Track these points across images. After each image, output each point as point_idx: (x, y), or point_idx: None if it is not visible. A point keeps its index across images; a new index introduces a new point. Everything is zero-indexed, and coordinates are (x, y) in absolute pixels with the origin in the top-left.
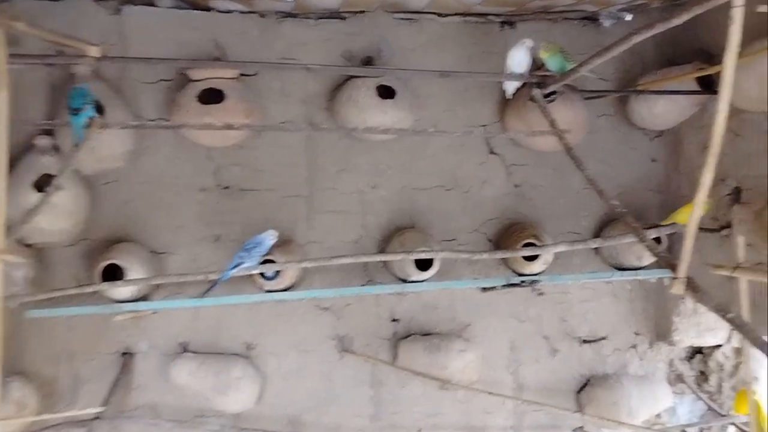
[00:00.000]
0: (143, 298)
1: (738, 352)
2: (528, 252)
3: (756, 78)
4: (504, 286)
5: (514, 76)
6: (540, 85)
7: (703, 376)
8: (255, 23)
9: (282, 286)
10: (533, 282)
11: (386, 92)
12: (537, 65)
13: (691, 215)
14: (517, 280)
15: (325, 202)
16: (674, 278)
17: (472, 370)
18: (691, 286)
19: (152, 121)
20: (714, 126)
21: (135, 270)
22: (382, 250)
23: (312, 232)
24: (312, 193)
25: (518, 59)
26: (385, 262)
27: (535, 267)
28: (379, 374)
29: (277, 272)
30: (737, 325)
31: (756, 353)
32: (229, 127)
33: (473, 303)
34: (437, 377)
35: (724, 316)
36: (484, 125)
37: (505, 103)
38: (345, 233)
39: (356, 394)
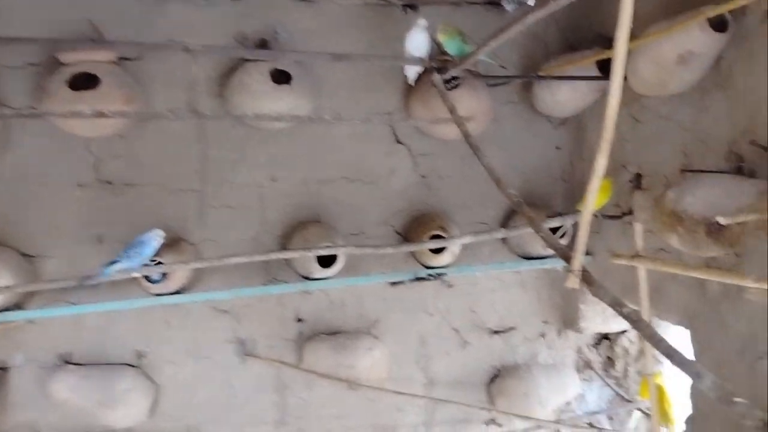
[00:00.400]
0: (16, 306)
1: (641, 337)
2: (434, 244)
3: (652, 62)
4: (412, 280)
5: (412, 60)
6: (440, 70)
7: (609, 362)
8: (135, 2)
9: (171, 289)
10: (440, 275)
11: (282, 77)
12: (441, 50)
13: (585, 206)
14: (424, 273)
15: (220, 196)
16: (569, 271)
17: (380, 368)
18: (586, 279)
19: (13, 109)
20: (607, 109)
21: (2, 276)
22: (284, 247)
23: (205, 230)
24: (205, 187)
25: (416, 43)
26: (287, 260)
27: (443, 259)
28: (283, 377)
29: (164, 274)
30: (632, 320)
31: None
32: (101, 114)
33: (381, 298)
34: (345, 377)
35: (619, 311)
36: (388, 113)
37: (409, 90)
38: (242, 230)
39: (260, 399)
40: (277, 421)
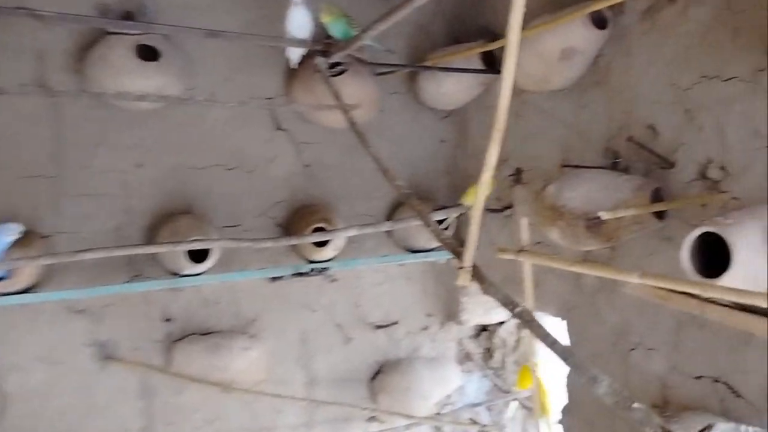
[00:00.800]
0: None
1: (520, 327)
2: (317, 238)
3: (536, 56)
4: (293, 274)
5: (294, 42)
6: (324, 53)
7: (488, 353)
8: None
9: (18, 287)
10: (323, 269)
11: (148, 54)
12: (325, 33)
13: (476, 200)
14: (306, 268)
15: (78, 183)
16: (459, 268)
17: (258, 369)
18: (477, 275)
19: None
20: (499, 99)
21: None
22: (150, 240)
23: (60, 220)
24: (60, 173)
25: (298, 22)
26: (154, 255)
27: (326, 253)
28: (150, 382)
29: (9, 270)
30: (525, 320)
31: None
32: None
33: (260, 295)
34: (218, 380)
35: (511, 311)
36: (269, 97)
37: (292, 74)
38: (103, 221)
39: (123, 406)
40: (143, 429)
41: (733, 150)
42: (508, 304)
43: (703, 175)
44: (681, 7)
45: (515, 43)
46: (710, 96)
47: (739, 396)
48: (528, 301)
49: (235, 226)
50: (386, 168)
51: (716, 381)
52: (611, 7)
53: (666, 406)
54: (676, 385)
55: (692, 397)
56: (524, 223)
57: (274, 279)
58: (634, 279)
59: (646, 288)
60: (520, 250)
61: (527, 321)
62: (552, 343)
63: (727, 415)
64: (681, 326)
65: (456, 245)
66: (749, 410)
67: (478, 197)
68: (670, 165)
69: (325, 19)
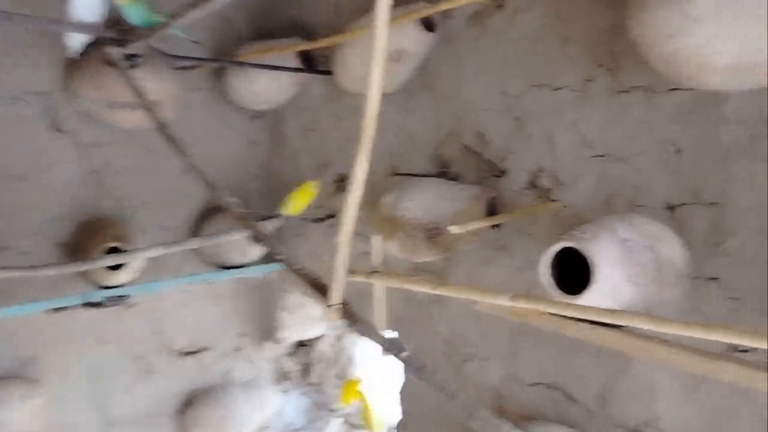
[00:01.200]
0: None
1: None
2: (112, 261)
3: (363, 57)
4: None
5: (78, 27)
6: (120, 42)
7: (306, 369)
8: None
9: None
10: (120, 298)
11: None
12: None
13: (343, 225)
14: (98, 296)
15: None
16: (328, 306)
17: (40, 420)
18: (349, 315)
19: None
20: (367, 100)
21: None
22: None
23: None
24: None
25: (85, 4)
26: None
27: (123, 276)
28: None
29: None
30: (415, 367)
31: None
32: None
33: (38, 329)
34: None
35: (397, 356)
36: (43, 93)
37: (74, 66)
38: None
39: None
40: None
41: (564, 159)
42: (393, 348)
43: (533, 184)
44: (509, 14)
45: (383, 40)
46: (540, 104)
47: (574, 401)
48: (381, 325)
49: (3, 249)
50: (211, 181)
51: (551, 387)
52: (445, 10)
53: (502, 416)
54: (511, 394)
55: (528, 405)
56: (377, 242)
57: (57, 309)
58: (505, 301)
59: (500, 306)
60: (373, 272)
61: (417, 368)
62: (452, 394)
63: (562, 420)
64: (515, 335)
65: (316, 278)
66: (584, 414)
67: (345, 219)
68: (501, 173)
69: (121, 1)
